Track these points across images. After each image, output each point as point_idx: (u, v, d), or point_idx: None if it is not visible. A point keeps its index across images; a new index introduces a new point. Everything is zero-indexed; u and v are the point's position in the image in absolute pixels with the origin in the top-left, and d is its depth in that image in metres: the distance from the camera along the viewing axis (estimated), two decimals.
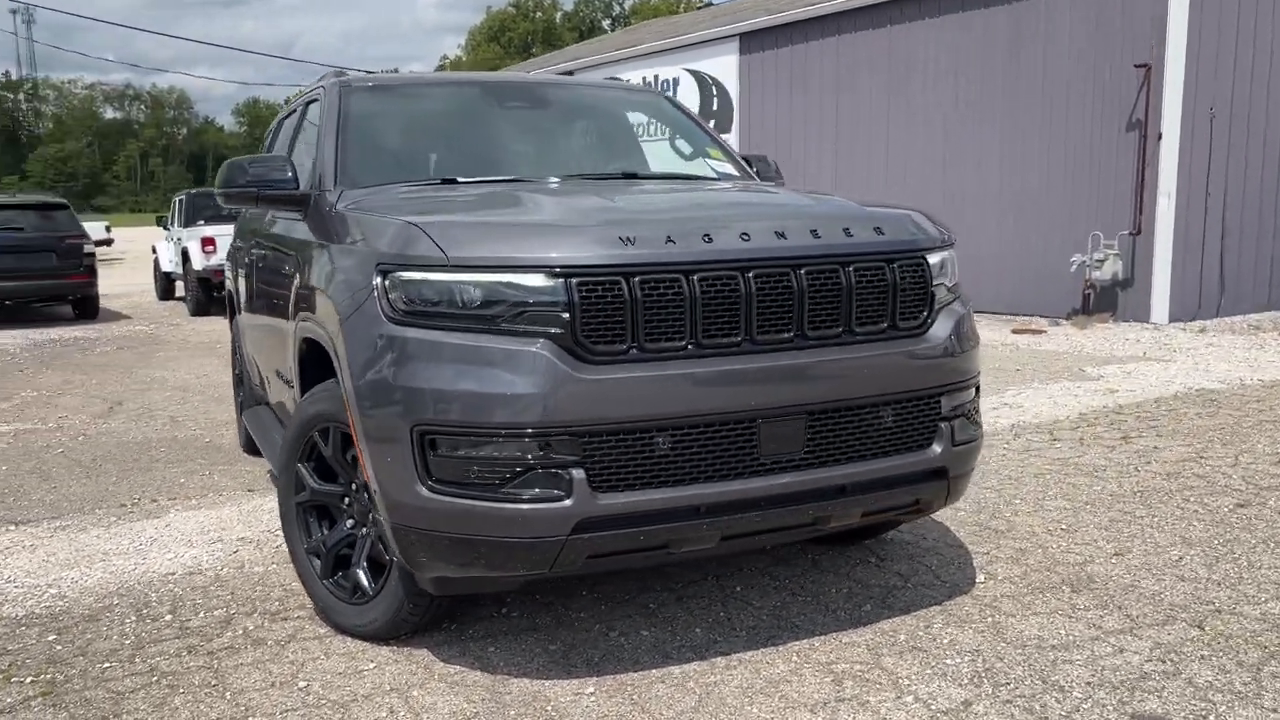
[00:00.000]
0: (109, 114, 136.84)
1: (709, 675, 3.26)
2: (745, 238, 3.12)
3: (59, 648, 3.63)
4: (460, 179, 4.13)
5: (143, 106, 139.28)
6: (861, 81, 14.61)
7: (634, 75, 18.67)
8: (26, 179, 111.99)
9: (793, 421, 3.14)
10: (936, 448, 3.40)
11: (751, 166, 4.98)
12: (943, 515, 4.78)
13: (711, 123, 17.25)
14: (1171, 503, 4.93)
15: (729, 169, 4.87)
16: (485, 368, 2.93)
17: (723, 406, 3.04)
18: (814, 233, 3.23)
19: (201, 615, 3.88)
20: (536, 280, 2.95)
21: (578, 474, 2.93)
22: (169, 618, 3.87)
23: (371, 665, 3.39)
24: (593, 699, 3.12)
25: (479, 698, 3.14)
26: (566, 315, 2.94)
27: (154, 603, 4.03)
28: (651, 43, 18.49)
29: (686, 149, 4.96)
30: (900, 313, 3.35)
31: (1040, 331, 11.44)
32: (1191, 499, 4.98)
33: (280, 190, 4.12)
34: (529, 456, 2.93)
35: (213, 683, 3.31)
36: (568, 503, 2.93)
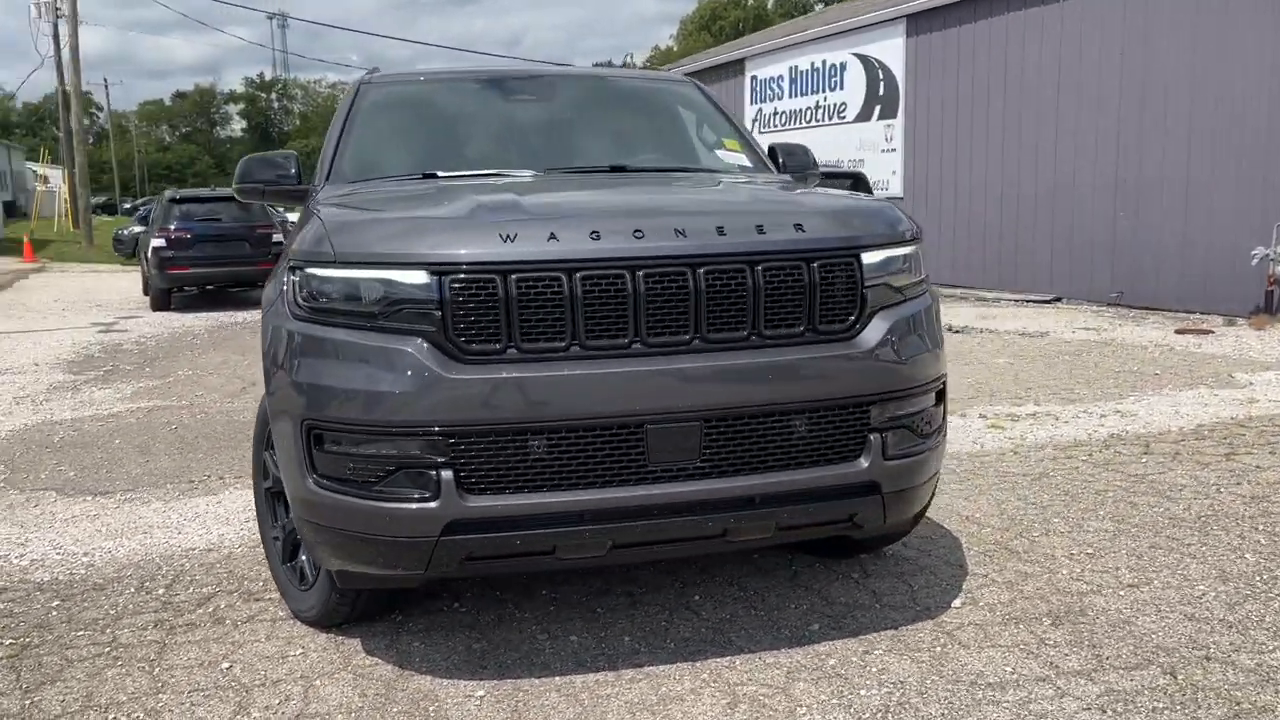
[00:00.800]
0: None
1: (607, 687, 3.16)
2: (639, 235, 2.99)
3: (53, 614, 3.91)
4: (441, 173, 4.15)
5: None
6: (1031, 61, 13.74)
7: (802, 61, 18.29)
8: None
9: (686, 428, 2.99)
10: (863, 461, 3.16)
11: (778, 158, 4.77)
12: (960, 530, 4.45)
13: (877, 108, 16.70)
14: (1234, 531, 4.39)
15: (742, 160, 4.67)
16: (361, 365, 2.94)
17: (604, 410, 2.93)
18: (719, 230, 3.05)
19: (189, 591, 4.09)
20: (413, 277, 2.93)
21: (446, 475, 2.90)
22: (161, 592, 4.09)
23: (299, 652, 3.48)
24: (478, 703, 3.09)
25: (373, 692, 3.17)
26: (439, 313, 2.90)
27: (158, 576, 4.27)
28: (819, 27, 18.03)
29: (711, 138, 4.80)
30: (821, 315, 3.13)
31: (1207, 332, 10.44)
32: (1261, 528, 4.43)
33: (283, 186, 4.27)
34: (397, 455, 2.92)
35: (151, 658, 3.47)
36: (435, 504, 2.90)
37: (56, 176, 49.50)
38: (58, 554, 4.63)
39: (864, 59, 16.91)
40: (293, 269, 3.16)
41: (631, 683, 3.18)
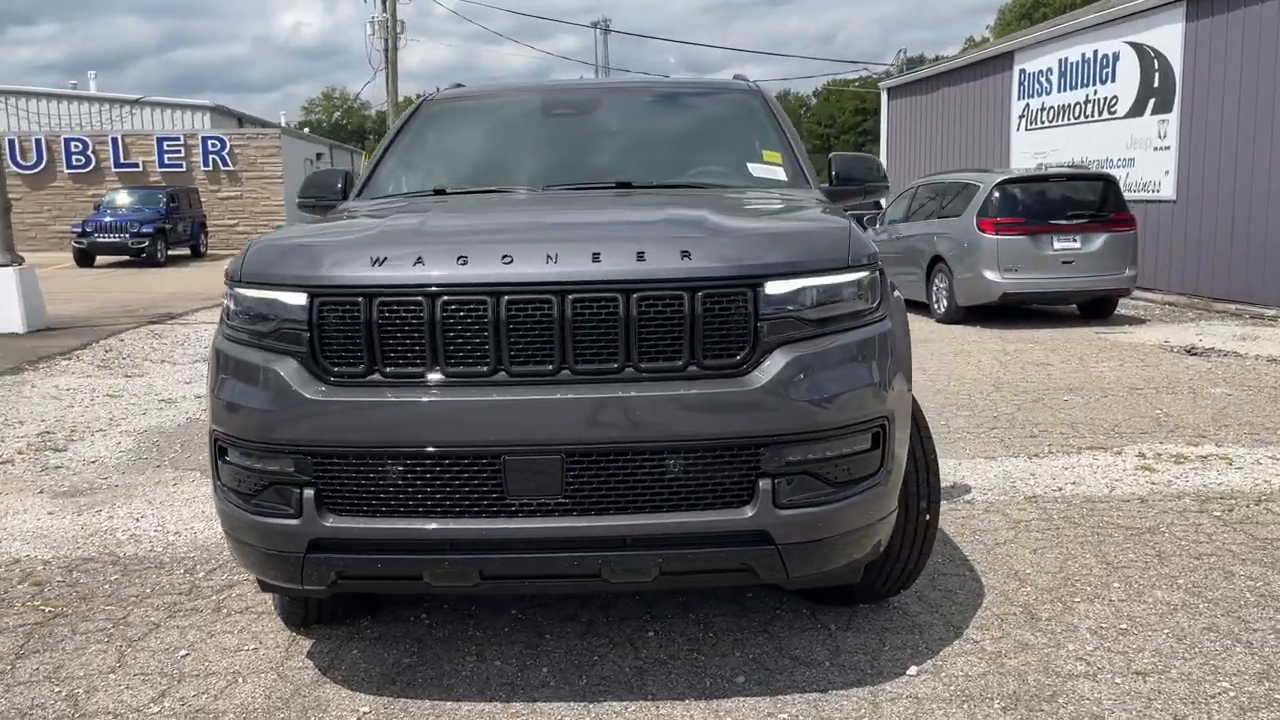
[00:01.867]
0: None
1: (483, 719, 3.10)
2: (507, 260, 2.90)
3: (104, 587, 4.33)
4: (450, 190, 4.22)
5: None
6: None
7: (1073, 52, 16.91)
8: None
9: (547, 462, 2.87)
10: (747, 510, 2.90)
11: (833, 175, 4.47)
12: (997, 585, 3.99)
13: (1151, 101, 15.16)
14: None
15: (777, 174, 4.40)
16: (248, 382, 3.06)
17: (459, 439, 2.88)
18: (595, 256, 2.90)
19: (218, 578, 4.40)
20: (291, 299, 3.00)
21: (308, 493, 2.95)
22: (200, 577, 4.43)
23: (252, 648, 3.66)
24: (354, 718, 3.13)
25: (278, 695, 3.29)
26: (309, 335, 2.96)
27: (209, 562, 4.62)
28: (1092, 15, 16.58)
29: (754, 150, 4.56)
30: (705, 349, 2.90)
31: None
32: None
33: (327, 200, 4.52)
34: (269, 471, 3.01)
35: (135, 638, 3.77)
36: (297, 521, 2.96)
37: None
38: (156, 531, 5.12)
39: (1137, 47, 15.38)
40: (227, 287, 3.33)
41: (513, 717, 3.11)
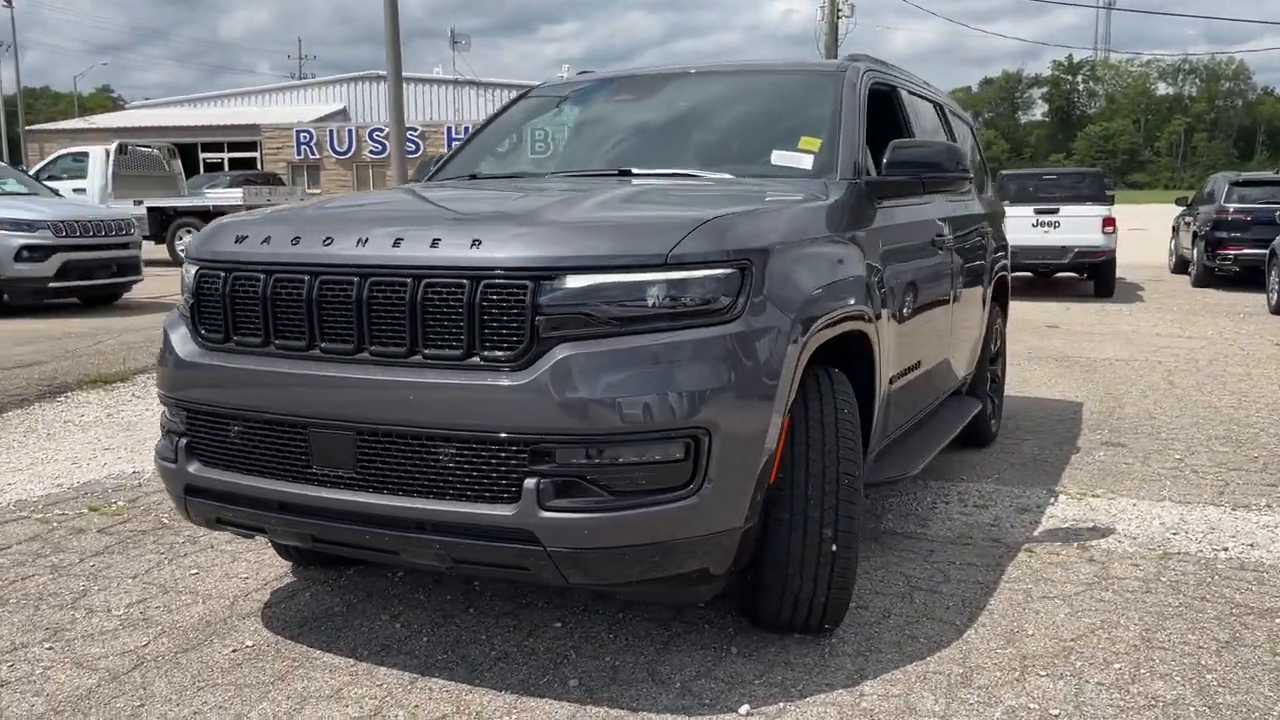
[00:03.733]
0: (1160, 90, 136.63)
1: (357, 687, 3.30)
2: (327, 242, 3.06)
3: (103, 519, 4.96)
4: (481, 175, 4.42)
5: (1197, 80, 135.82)
6: None
7: None
8: (1070, 157, 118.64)
9: (342, 437, 3.00)
10: (506, 510, 2.83)
11: (883, 163, 4.08)
12: (958, 642, 3.47)
13: None
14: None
15: (801, 163, 4.06)
16: (162, 343, 3.49)
17: (276, 408, 3.10)
18: (396, 242, 2.96)
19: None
20: (188, 271, 3.39)
21: (182, 443, 3.33)
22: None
23: (223, 579, 4.15)
24: (233, 654, 3.47)
25: (214, 617, 3.72)
26: (191, 303, 3.33)
27: None
28: None
29: (795, 137, 4.24)
30: (484, 340, 2.86)
31: None
32: None
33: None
34: (164, 420, 3.42)
35: (90, 569, 4.37)
36: (174, 466, 3.35)
37: None
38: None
39: None
40: None
41: (353, 674, 3.29)
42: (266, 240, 3.18)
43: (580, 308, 2.82)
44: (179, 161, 22.83)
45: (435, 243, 2.95)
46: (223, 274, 3.23)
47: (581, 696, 3.13)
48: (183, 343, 3.34)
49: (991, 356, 6.60)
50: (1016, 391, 8.01)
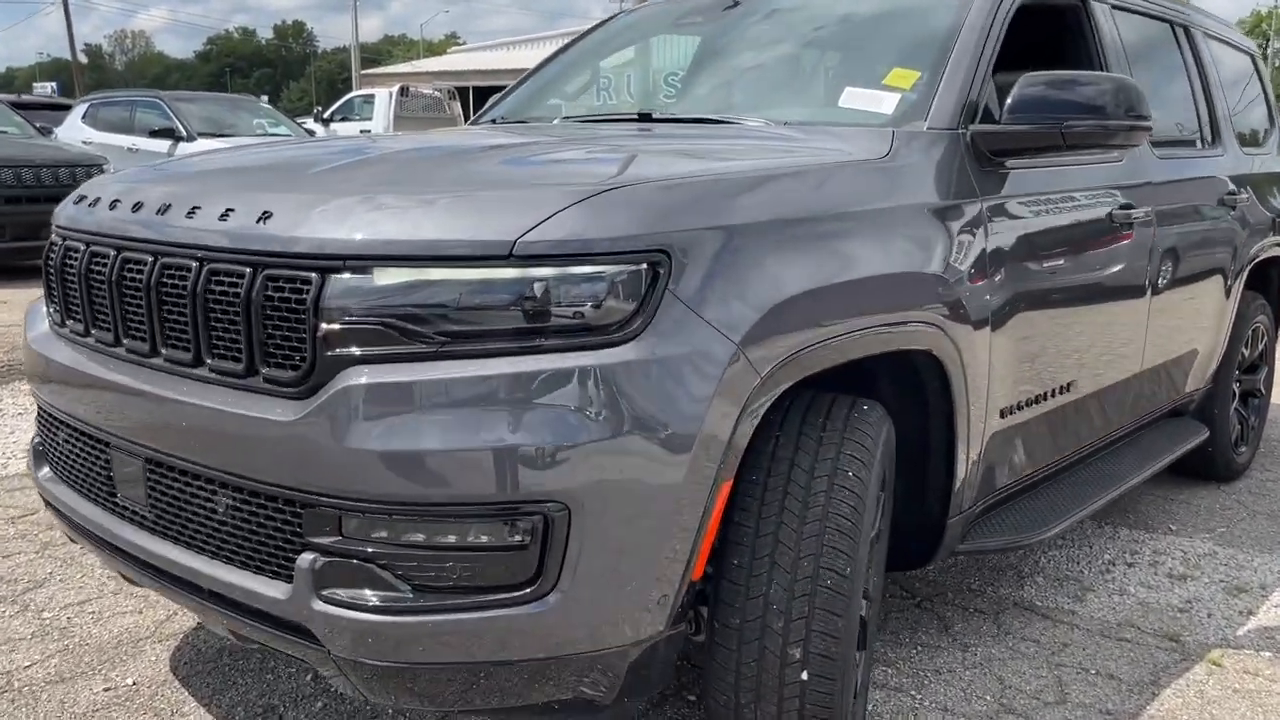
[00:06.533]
0: None
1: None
2: (162, 210, 2.31)
3: None
4: (503, 118, 3.61)
5: None
6: None
7: None
8: None
9: (134, 465, 2.30)
10: (278, 592, 2.02)
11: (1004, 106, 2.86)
12: None
13: None
14: None
15: (880, 107, 2.90)
16: None
17: (84, 418, 2.44)
18: (225, 214, 2.16)
19: None
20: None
21: (35, 441, 2.77)
22: None
23: None
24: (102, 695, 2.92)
25: (30, 677, 3.20)
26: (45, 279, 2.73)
27: None
28: None
29: (882, 70, 3.07)
30: (266, 354, 2.04)
31: None
32: None
33: None
34: None
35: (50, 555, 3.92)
36: (29, 469, 2.80)
37: None
38: None
39: None
40: None
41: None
42: (113, 204, 2.48)
43: (380, 316, 1.94)
44: (458, 104, 23.39)
45: (226, 214, 2.15)
46: (58, 243, 2.61)
47: None
48: (38, 327, 2.76)
49: (1248, 364, 5.01)
50: None
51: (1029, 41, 3.42)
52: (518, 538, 1.92)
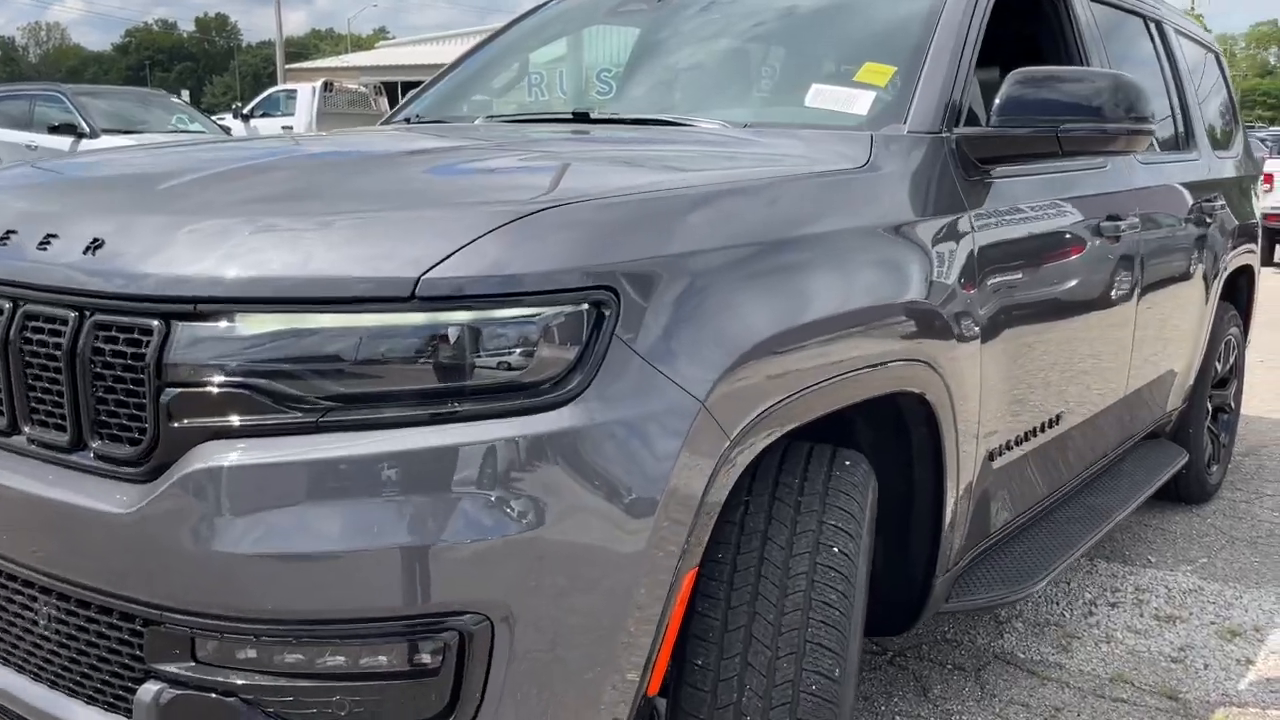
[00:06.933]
0: None
1: None
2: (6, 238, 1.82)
3: None
4: (418, 117, 3.18)
5: None
6: None
7: None
8: None
9: None
10: None
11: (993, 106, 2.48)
12: None
13: None
14: None
15: (854, 107, 2.51)
16: None
17: None
18: (45, 241, 1.68)
19: None
20: None
21: None
22: None
23: None
24: None
25: None
26: None
27: None
28: None
29: (852, 68, 2.69)
30: (98, 423, 1.58)
31: None
32: None
33: None
34: None
35: None
36: None
37: None
38: None
39: None
40: None
41: None
42: None
43: (242, 376, 1.49)
44: (385, 100, 22.69)
45: (46, 241, 1.68)
46: None
47: None
48: None
49: (1219, 379, 4.74)
50: (1259, 411, 6.02)
51: (1001, 33, 3.06)
52: (425, 659, 1.49)
